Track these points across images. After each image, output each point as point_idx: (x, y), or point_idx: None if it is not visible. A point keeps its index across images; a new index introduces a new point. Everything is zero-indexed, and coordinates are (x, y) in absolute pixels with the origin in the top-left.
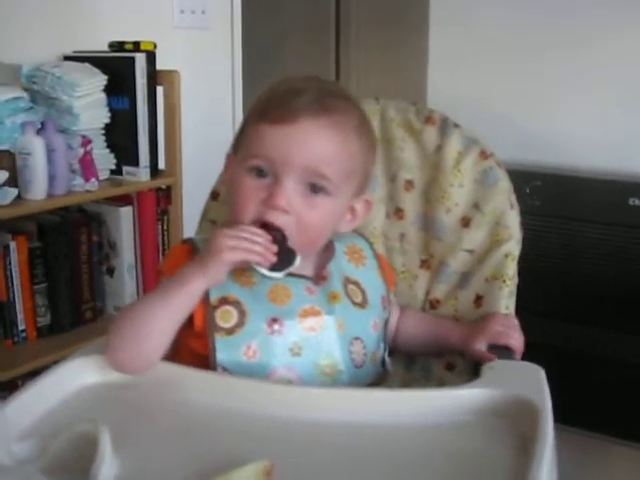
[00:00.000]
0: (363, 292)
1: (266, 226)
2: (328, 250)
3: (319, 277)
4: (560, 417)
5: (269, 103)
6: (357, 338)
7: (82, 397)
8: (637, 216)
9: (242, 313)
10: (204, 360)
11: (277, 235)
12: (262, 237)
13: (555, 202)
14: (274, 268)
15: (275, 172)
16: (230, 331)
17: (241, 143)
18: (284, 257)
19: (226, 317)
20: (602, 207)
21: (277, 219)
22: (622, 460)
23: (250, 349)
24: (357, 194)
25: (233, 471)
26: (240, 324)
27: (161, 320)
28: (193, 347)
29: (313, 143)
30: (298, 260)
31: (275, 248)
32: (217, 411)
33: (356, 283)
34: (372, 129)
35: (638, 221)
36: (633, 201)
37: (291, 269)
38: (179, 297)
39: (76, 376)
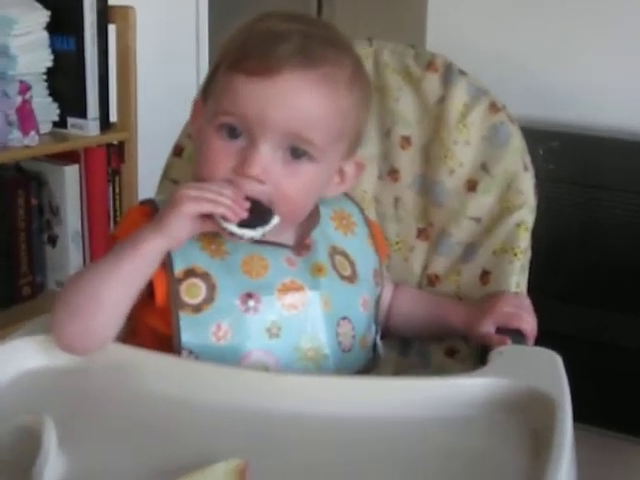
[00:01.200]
0: (352, 264)
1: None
2: (312, 215)
3: (301, 246)
4: (576, 415)
5: (245, 49)
6: (345, 318)
7: (23, 383)
8: None
9: (211, 287)
10: (167, 341)
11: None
12: (232, 191)
13: (573, 166)
14: (245, 224)
15: (250, 133)
16: (197, 308)
17: (211, 91)
18: (258, 215)
19: (193, 292)
20: (628, 172)
21: (251, 190)
22: None
23: (220, 329)
24: (347, 156)
25: (201, 471)
26: (209, 300)
27: (113, 289)
28: (154, 326)
29: (297, 102)
30: (276, 220)
31: (247, 204)
32: (181, 401)
33: (344, 254)
34: (367, 78)
35: None
36: None
37: (267, 229)
38: (133, 261)
39: (16, 359)
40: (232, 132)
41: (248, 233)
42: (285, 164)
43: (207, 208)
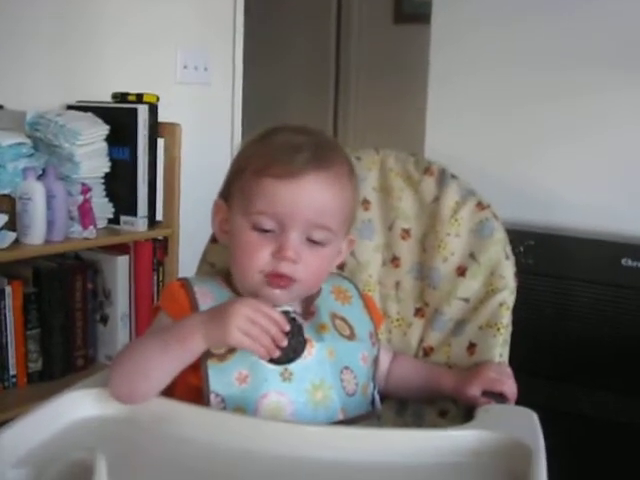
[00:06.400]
0: (351, 327)
1: (280, 277)
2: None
3: (307, 312)
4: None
5: (270, 158)
6: (347, 367)
7: (79, 429)
8: (629, 276)
9: None
10: (198, 391)
11: (294, 326)
12: (277, 328)
13: (549, 261)
14: (275, 360)
15: (281, 225)
16: (222, 357)
17: (234, 192)
18: (291, 350)
19: None
20: (596, 267)
21: (288, 269)
22: None
23: (241, 374)
24: (346, 234)
25: None
26: (232, 350)
27: (159, 369)
28: (187, 379)
29: (317, 199)
30: (305, 352)
31: (285, 342)
32: (212, 447)
33: (343, 319)
34: (354, 169)
35: (630, 281)
36: (626, 261)
37: (294, 361)
38: (177, 352)
39: (74, 408)
40: (266, 226)
41: (272, 366)
42: (310, 247)
43: (248, 345)
